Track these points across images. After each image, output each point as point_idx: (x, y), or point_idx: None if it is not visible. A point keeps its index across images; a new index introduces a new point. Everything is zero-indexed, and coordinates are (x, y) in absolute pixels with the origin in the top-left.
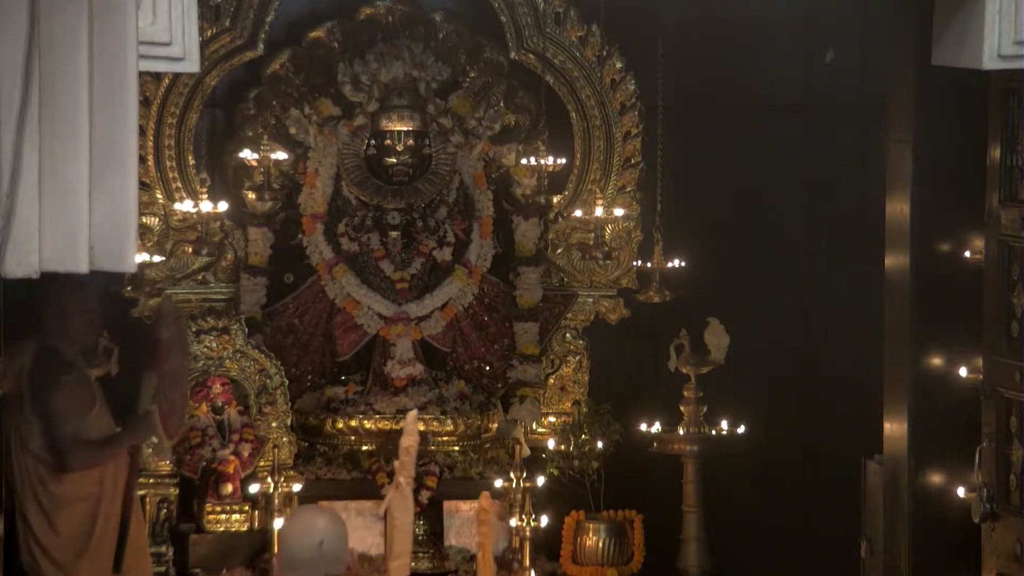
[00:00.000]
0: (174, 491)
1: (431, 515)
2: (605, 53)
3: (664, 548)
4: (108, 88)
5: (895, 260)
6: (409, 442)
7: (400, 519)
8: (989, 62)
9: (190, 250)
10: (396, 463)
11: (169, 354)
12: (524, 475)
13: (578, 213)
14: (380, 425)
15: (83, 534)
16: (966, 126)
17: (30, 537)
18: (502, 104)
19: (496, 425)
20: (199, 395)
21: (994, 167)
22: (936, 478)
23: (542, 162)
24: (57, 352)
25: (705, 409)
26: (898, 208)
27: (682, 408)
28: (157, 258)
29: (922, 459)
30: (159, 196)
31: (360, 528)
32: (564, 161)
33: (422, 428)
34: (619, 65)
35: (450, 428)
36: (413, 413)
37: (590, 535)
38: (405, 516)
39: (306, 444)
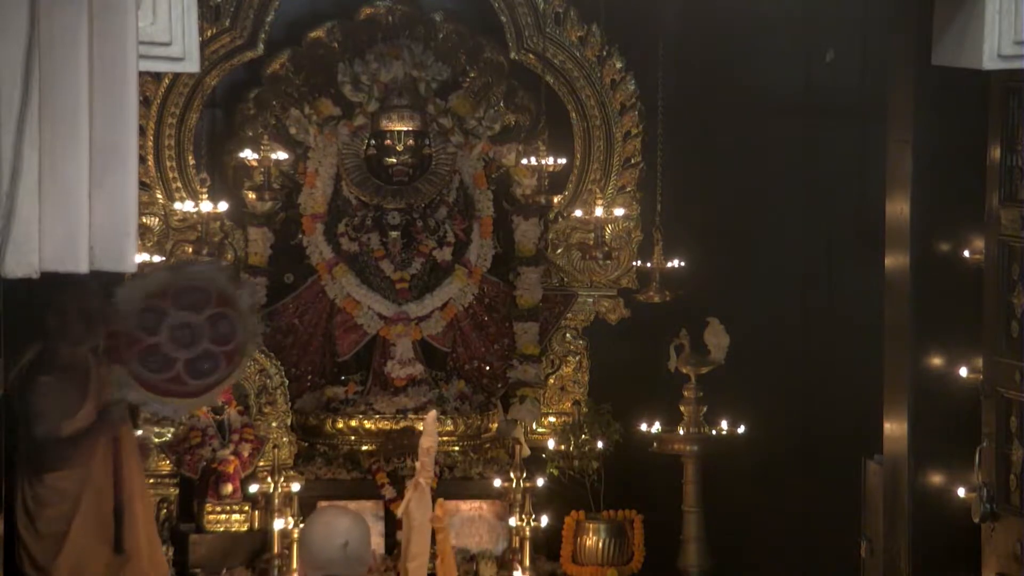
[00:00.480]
0: (174, 491)
1: None
2: (605, 53)
3: (664, 548)
4: (108, 88)
5: (895, 260)
6: (429, 443)
7: (419, 520)
8: (989, 62)
9: (190, 250)
10: (417, 464)
11: (132, 343)
12: (524, 475)
13: (578, 213)
14: (380, 425)
15: (59, 535)
16: (966, 126)
17: (15, 536)
18: (502, 104)
19: (496, 425)
20: None
21: (994, 167)
22: (936, 478)
23: (542, 162)
24: (53, 352)
25: (705, 409)
26: (898, 208)
27: (682, 408)
28: (157, 258)
29: (922, 459)
30: (159, 196)
31: None
32: (564, 161)
33: (421, 428)
34: (619, 65)
35: (450, 428)
36: (432, 414)
37: (590, 535)
38: (424, 517)
39: (306, 444)
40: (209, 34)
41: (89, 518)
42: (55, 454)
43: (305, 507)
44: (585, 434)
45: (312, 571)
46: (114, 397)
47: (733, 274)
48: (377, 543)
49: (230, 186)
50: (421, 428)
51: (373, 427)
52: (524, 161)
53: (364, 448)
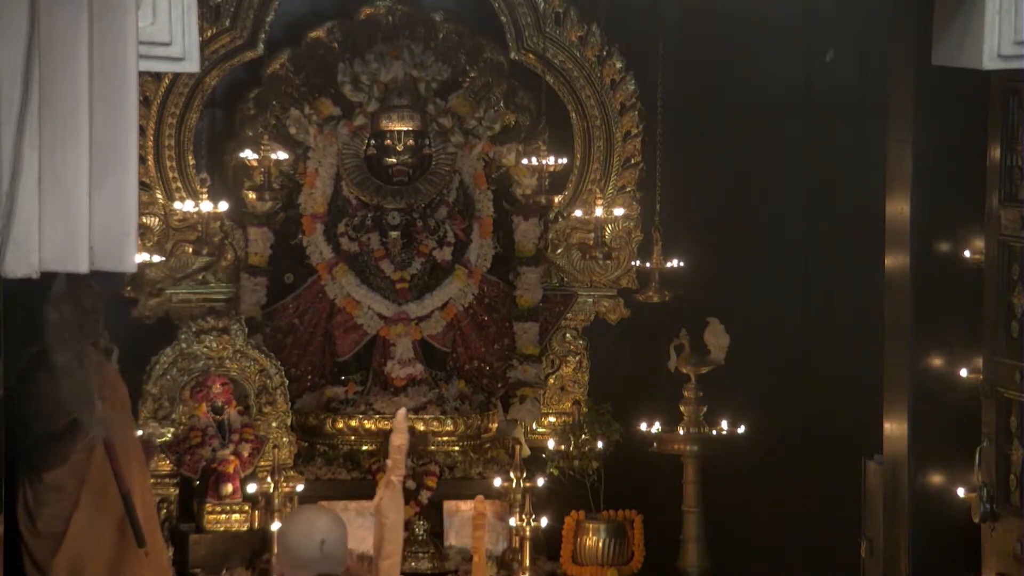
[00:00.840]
0: (174, 491)
1: (431, 515)
2: (605, 53)
3: (664, 548)
4: (108, 88)
5: (895, 260)
6: (400, 440)
7: (392, 518)
8: (989, 62)
9: (190, 250)
10: (388, 462)
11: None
12: (524, 475)
13: (578, 213)
14: (380, 425)
15: (58, 534)
16: (966, 126)
17: (17, 536)
18: (502, 104)
19: (496, 425)
20: (199, 395)
21: (994, 167)
22: (936, 478)
23: (542, 162)
24: (52, 350)
25: (705, 409)
26: (898, 208)
27: (682, 408)
28: (157, 258)
29: (922, 459)
30: (159, 196)
31: (361, 528)
32: (564, 161)
33: (422, 428)
34: (619, 65)
35: (450, 428)
36: (402, 411)
37: (590, 535)
38: (396, 515)
39: (306, 444)
40: (209, 34)
41: (88, 517)
42: (53, 452)
43: None
44: (585, 434)
45: (290, 570)
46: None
47: (733, 274)
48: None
49: (230, 186)
50: (421, 428)
51: (373, 427)
52: (524, 161)
53: (364, 448)
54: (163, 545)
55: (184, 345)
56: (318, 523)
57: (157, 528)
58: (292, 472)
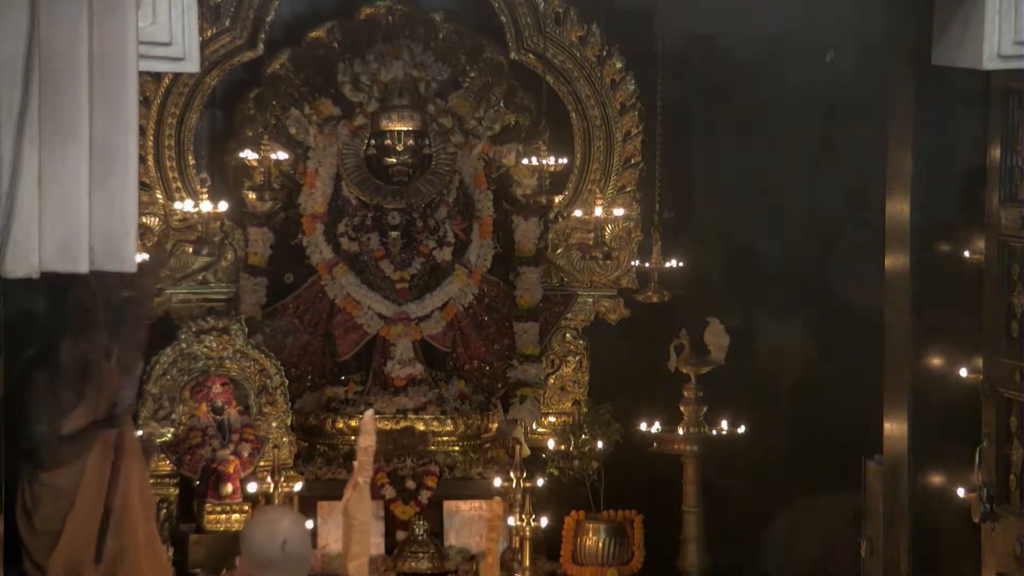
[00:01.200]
0: (174, 491)
1: (431, 515)
2: (605, 53)
3: (664, 548)
4: (108, 88)
5: (895, 260)
6: (367, 442)
7: (360, 519)
8: (989, 62)
9: (190, 250)
10: (355, 463)
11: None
12: (524, 475)
13: (578, 213)
14: (380, 425)
15: (55, 532)
16: (966, 126)
17: (16, 535)
18: (502, 104)
19: (496, 425)
20: (199, 395)
21: (994, 167)
22: (936, 478)
23: (542, 162)
24: (50, 350)
25: (705, 409)
26: (898, 208)
27: (682, 408)
28: None
29: (922, 459)
30: (159, 196)
31: None
32: (564, 161)
33: (421, 428)
34: (619, 65)
35: (450, 428)
36: (370, 413)
37: (590, 535)
38: (364, 516)
39: (306, 444)
40: (209, 34)
41: (83, 518)
42: (50, 453)
43: (305, 507)
44: (585, 434)
45: (256, 571)
46: (123, 398)
47: (733, 274)
48: (377, 543)
49: (230, 186)
50: (421, 428)
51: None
52: (524, 161)
53: None
54: (163, 545)
55: (184, 345)
56: (279, 524)
57: (155, 529)
58: (292, 472)
